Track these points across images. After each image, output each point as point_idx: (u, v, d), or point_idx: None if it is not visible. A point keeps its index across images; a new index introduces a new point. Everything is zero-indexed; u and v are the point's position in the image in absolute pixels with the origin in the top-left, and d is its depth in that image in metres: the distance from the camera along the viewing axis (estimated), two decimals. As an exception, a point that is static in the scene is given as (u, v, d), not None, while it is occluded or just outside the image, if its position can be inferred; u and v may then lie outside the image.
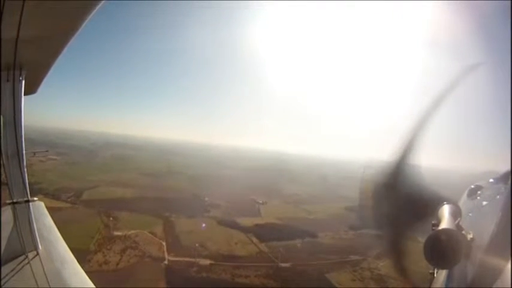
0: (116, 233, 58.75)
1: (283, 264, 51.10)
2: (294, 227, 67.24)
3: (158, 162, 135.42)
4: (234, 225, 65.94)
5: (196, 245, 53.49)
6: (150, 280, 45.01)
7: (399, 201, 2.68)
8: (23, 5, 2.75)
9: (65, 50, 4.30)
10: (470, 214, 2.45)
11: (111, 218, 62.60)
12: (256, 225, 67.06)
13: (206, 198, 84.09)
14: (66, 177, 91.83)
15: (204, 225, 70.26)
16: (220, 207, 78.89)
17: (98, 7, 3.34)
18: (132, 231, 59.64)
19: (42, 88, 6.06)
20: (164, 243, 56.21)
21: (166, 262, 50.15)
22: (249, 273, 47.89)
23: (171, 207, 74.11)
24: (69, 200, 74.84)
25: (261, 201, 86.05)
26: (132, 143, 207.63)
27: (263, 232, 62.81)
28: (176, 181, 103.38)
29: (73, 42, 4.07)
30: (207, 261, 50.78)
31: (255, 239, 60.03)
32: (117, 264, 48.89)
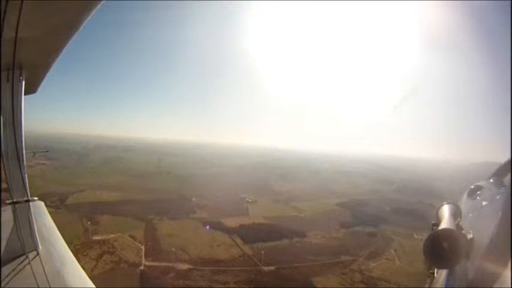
0: (95, 238, 56.29)
1: (266, 268, 47.82)
2: (282, 227, 64.05)
3: (147, 163, 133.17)
4: (219, 227, 62.97)
5: (173, 249, 50.59)
6: (123, 287, 42.43)
7: None
8: (21, 5, 2.72)
9: (65, 50, 4.29)
10: (470, 214, 2.49)
11: (89, 223, 60.04)
12: (242, 225, 64.08)
13: (193, 199, 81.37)
14: (54, 182, 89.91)
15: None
16: (207, 208, 76.06)
17: (98, 7, 3.28)
18: (112, 236, 57.16)
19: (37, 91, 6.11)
20: (143, 247, 53.53)
21: (142, 267, 47.50)
22: (229, 279, 44.80)
23: (156, 209, 71.59)
24: (52, 204, 72.58)
25: (250, 200, 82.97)
26: (123, 144, 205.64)
27: (248, 233, 59.63)
28: (164, 182, 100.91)
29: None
30: (186, 266, 47.98)
31: (239, 241, 56.98)
32: (92, 270, 46.22)
